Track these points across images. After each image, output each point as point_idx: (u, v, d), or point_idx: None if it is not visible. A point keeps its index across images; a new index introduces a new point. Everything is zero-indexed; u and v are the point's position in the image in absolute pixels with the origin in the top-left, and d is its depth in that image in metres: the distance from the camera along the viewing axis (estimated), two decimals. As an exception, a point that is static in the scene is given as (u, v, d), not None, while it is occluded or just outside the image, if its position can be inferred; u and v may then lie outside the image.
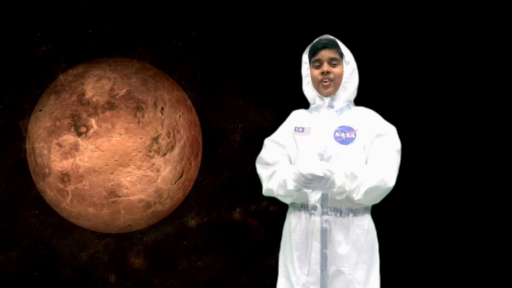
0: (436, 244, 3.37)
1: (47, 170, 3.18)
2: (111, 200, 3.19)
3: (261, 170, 2.18)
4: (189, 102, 3.56)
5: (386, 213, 2.44)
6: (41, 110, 3.08)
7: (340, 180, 1.94)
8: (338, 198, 1.99)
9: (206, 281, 3.62)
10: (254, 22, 3.46)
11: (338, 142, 2.06)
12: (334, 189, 1.95)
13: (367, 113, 2.17)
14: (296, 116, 2.24)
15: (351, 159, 2.04)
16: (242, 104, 3.61)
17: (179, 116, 3.38)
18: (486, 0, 3.26)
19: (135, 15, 3.50)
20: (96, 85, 3.17)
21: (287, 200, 2.12)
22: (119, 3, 3.48)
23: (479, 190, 3.34)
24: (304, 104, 2.29)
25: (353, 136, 2.06)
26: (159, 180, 3.29)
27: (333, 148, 2.05)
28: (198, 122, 3.59)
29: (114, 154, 3.10)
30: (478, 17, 3.27)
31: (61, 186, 3.17)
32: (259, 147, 2.30)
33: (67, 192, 3.19)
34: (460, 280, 3.33)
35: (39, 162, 3.19)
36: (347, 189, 1.96)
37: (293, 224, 2.12)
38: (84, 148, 3.08)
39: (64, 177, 3.14)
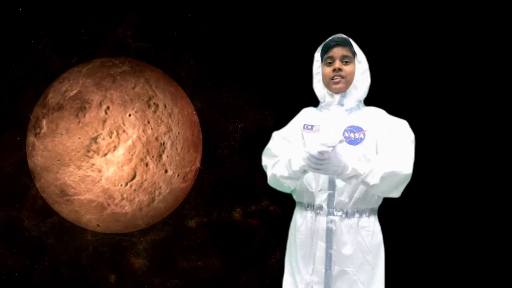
0: (443, 245, 3.36)
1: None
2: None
3: (266, 160, 2.18)
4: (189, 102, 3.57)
5: (392, 214, 2.43)
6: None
7: (353, 163, 1.90)
8: (353, 183, 1.94)
9: (206, 281, 3.62)
10: (255, 22, 3.45)
11: (347, 142, 2.03)
12: (348, 172, 1.89)
13: (377, 111, 2.15)
14: (306, 113, 2.23)
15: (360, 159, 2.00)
16: (242, 104, 3.61)
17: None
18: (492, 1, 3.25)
19: (134, 14, 3.50)
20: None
21: (290, 184, 2.06)
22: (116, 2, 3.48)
23: (489, 190, 3.30)
24: (305, 104, 2.29)
25: (362, 137, 2.03)
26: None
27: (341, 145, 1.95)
28: (198, 122, 3.59)
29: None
30: (484, 16, 3.27)
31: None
32: (259, 147, 2.31)
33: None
34: (467, 281, 3.32)
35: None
36: (362, 172, 1.89)
37: (299, 223, 2.12)
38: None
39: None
